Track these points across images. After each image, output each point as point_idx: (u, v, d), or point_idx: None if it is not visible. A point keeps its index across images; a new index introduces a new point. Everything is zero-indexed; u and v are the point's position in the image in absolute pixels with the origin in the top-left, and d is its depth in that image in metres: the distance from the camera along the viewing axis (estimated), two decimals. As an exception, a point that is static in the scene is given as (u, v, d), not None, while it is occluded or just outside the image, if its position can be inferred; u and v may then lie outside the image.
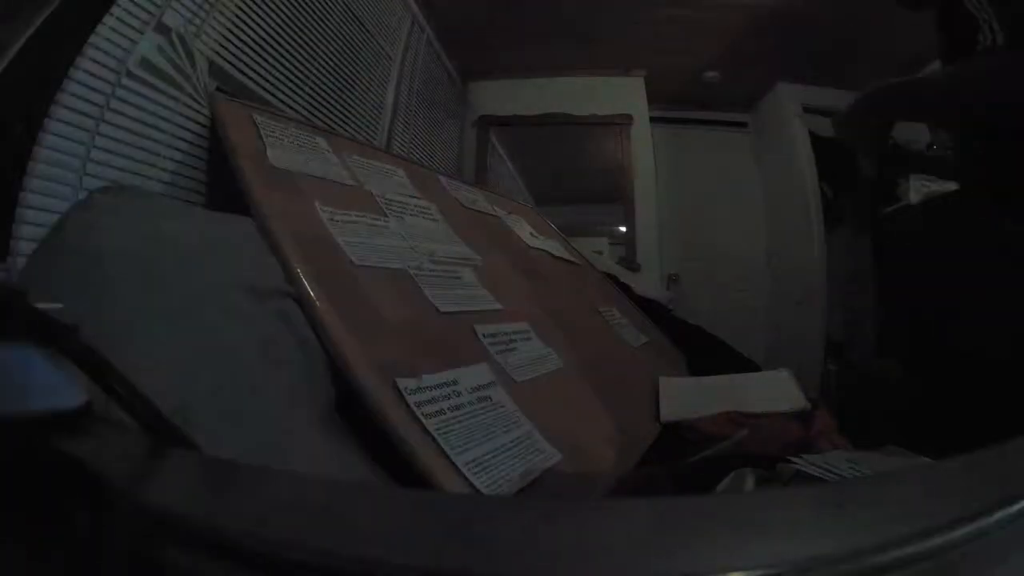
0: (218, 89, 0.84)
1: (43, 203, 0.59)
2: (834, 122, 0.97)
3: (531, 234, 1.35)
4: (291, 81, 1.07)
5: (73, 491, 0.28)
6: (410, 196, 0.98)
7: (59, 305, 0.31)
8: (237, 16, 0.91)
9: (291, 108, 1.06)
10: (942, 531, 0.21)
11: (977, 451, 0.28)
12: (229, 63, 0.90)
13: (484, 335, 0.75)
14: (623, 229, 2.23)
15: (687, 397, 0.98)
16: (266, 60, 0.99)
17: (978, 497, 0.24)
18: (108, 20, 0.67)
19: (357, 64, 1.34)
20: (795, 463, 0.49)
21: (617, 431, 0.78)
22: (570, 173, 2.49)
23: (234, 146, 0.72)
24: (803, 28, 1.86)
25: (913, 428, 0.77)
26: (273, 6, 1.00)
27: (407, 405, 0.54)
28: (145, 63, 0.72)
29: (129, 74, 0.70)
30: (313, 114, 1.13)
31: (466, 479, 0.51)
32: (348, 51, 1.30)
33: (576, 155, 2.47)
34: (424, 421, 0.53)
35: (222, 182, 0.71)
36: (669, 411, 0.92)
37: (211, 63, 0.84)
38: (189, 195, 0.77)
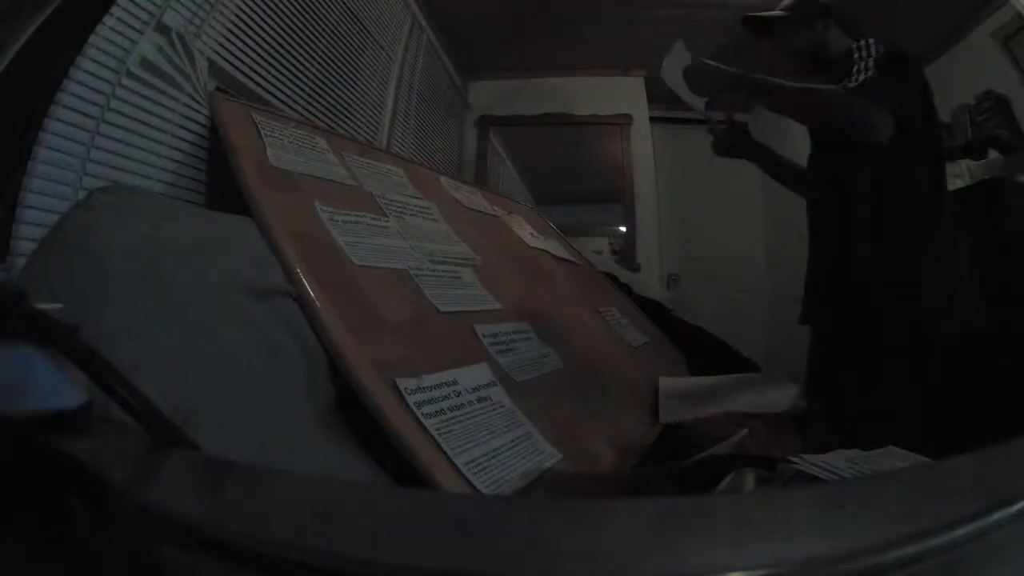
0: (218, 89, 0.84)
1: (43, 203, 0.59)
2: (694, 69, 1.06)
3: (531, 234, 1.35)
4: (291, 81, 1.07)
5: (73, 491, 0.28)
6: (410, 196, 0.98)
7: (59, 305, 0.31)
8: (237, 16, 0.91)
9: (291, 108, 1.06)
10: (942, 531, 0.21)
11: (977, 451, 0.28)
12: (229, 63, 0.90)
13: (484, 335, 0.75)
14: (623, 229, 2.23)
15: (687, 398, 0.98)
16: (266, 60, 0.99)
17: (978, 497, 0.24)
18: (108, 20, 0.67)
19: (357, 64, 1.34)
20: (795, 463, 0.49)
21: (617, 431, 0.78)
22: (570, 173, 2.49)
23: (234, 146, 0.72)
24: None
25: (913, 428, 0.78)
26: (273, 6, 1.00)
27: (407, 405, 0.54)
28: (145, 63, 0.72)
29: (129, 74, 0.70)
30: (313, 114, 1.13)
31: (466, 479, 0.51)
32: (348, 51, 1.30)
33: (576, 155, 2.47)
34: (424, 421, 0.53)
35: (222, 182, 0.71)
36: (669, 412, 0.92)
37: (211, 63, 0.84)
38: (189, 195, 0.77)
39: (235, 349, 0.49)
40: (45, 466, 0.29)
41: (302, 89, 1.10)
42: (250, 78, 0.95)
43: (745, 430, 0.75)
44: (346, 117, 1.28)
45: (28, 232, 0.57)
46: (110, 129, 0.67)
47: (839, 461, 0.51)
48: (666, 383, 1.03)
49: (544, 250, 1.31)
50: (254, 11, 0.95)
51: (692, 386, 1.06)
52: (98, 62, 0.66)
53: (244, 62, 0.93)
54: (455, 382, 0.61)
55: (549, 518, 0.26)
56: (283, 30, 1.03)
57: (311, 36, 1.13)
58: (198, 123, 0.78)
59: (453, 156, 2.10)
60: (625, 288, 1.56)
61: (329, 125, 1.16)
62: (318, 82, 1.16)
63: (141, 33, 0.72)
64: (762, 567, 0.20)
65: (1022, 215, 1.16)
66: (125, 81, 0.69)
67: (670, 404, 0.94)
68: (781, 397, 0.94)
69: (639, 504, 0.30)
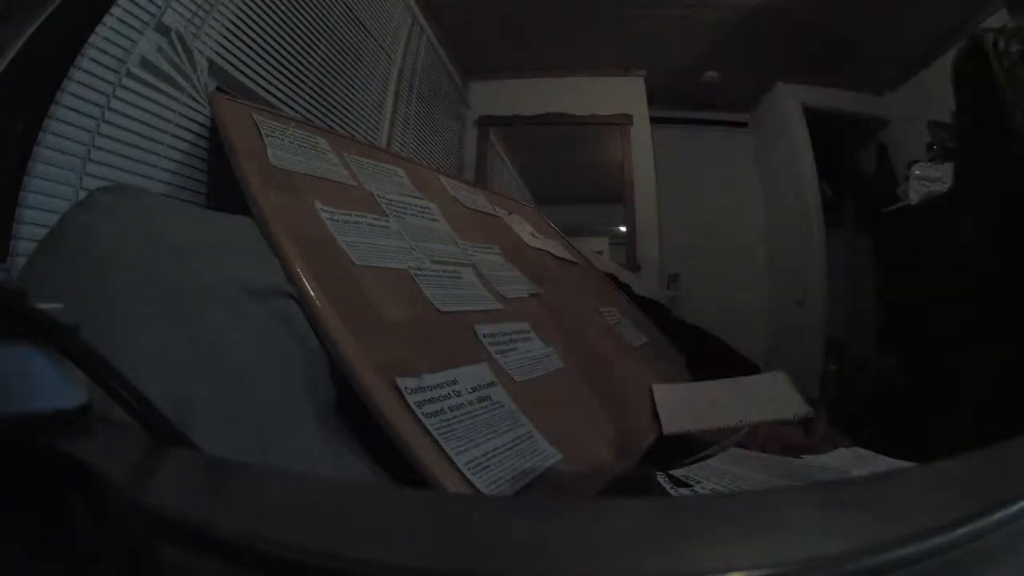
0: (218, 89, 0.84)
1: (43, 203, 0.59)
2: None
3: (531, 234, 1.35)
4: (291, 81, 1.07)
5: (73, 491, 0.28)
6: (410, 196, 0.98)
7: (59, 305, 0.31)
8: (237, 16, 0.91)
9: (291, 108, 1.06)
10: (942, 531, 0.21)
11: (977, 451, 0.28)
12: (229, 63, 0.90)
13: (484, 335, 0.75)
14: (623, 229, 2.23)
15: (686, 408, 0.97)
16: (266, 60, 0.99)
17: (978, 497, 0.24)
18: (108, 20, 0.67)
19: (357, 64, 1.34)
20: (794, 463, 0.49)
21: (617, 431, 0.78)
22: (570, 173, 2.50)
23: (234, 146, 0.72)
24: (803, 27, 1.86)
25: (911, 427, 0.78)
26: (273, 6, 1.00)
27: (407, 405, 0.54)
28: (145, 63, 0.72)
29: (129, 74, 0.70)
30: (313, 114, 1.13)
31: (466, 479, 0.51)
32: (348, 51, 1.30)
33: (576, 155, 2.47)
34: (424, 421, 0.53)
35: (222, 182, 0.71)
36: (671, 425, 0.92)
37: (211, 63, 0.84)
38: (189, 195, 0.77)
39: (235, 349, 0.49)
40: (45, 466, 0.29)
41: (302, 89, 1.10)
42: (250, 78, 0.95)
43: (745, 428, 0.75)
44: (346, 117, 1.28)
45: (28, 232, 0.57)
46: (110, 129, 0.67)
47: (839, 461, 0.51)
48: (660, 392, 1.02)
49: (544, 250, 1.31)
50: (254, 11, 0.95)
51: (688, 395, 1.04)
52: (98, 62, 0.66)
53: (244, 62, 0.93)
54: (455, 382, 0.61)
55: (549, 518, 0.26)
56: (283, 30, 1.03)
57: (311, 36, 1.13)
58: (198, 123, 0.78)
59: (453, 156, 2.10)
60: (625, 288, 1.56)
61: (329, 125, 1.17)
62: (318, 82, 1.16)
63: (141, 33, 0.72)
64: (762, 567, 0.20)
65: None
66: (125, 81, 0.69)
67: (670, 418, 0.93)
68: (781, 403, 0.93)
69: (639, 504, 0.30)
